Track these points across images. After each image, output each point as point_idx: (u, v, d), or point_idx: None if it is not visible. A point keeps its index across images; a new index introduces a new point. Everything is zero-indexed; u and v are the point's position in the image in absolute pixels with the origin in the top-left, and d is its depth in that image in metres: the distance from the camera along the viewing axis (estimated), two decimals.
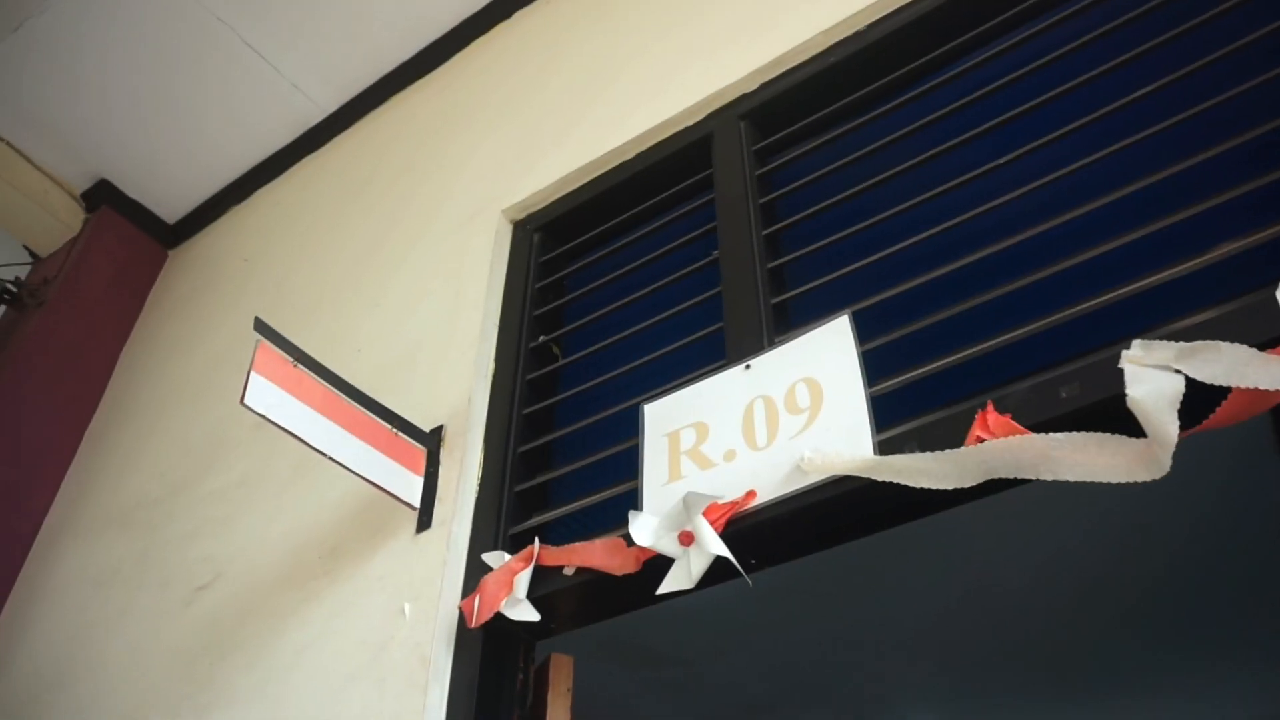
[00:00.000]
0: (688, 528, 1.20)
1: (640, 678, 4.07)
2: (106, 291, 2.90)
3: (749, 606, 3.54)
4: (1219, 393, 0.89)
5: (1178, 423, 0.88)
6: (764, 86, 1.72)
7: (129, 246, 3.04)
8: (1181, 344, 0.93)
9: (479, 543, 1.48)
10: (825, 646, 3.86)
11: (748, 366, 1.34)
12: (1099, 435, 0.95)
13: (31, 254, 3.07)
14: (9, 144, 2.89)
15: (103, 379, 2.80)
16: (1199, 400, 0.90)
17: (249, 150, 2.97)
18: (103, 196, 3.02)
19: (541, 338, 1.76)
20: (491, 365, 1.73)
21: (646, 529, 1.23)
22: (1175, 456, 0.88)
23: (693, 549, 1.19)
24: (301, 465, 1.81)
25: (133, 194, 3.08)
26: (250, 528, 1.85)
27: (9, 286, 2.80)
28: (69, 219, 3.00)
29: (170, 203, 3.13)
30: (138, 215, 3.09)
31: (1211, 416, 0.90)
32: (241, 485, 1.96)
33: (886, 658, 3.96)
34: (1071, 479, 0.96)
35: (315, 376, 1.42)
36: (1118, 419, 0.96)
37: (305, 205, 2.72)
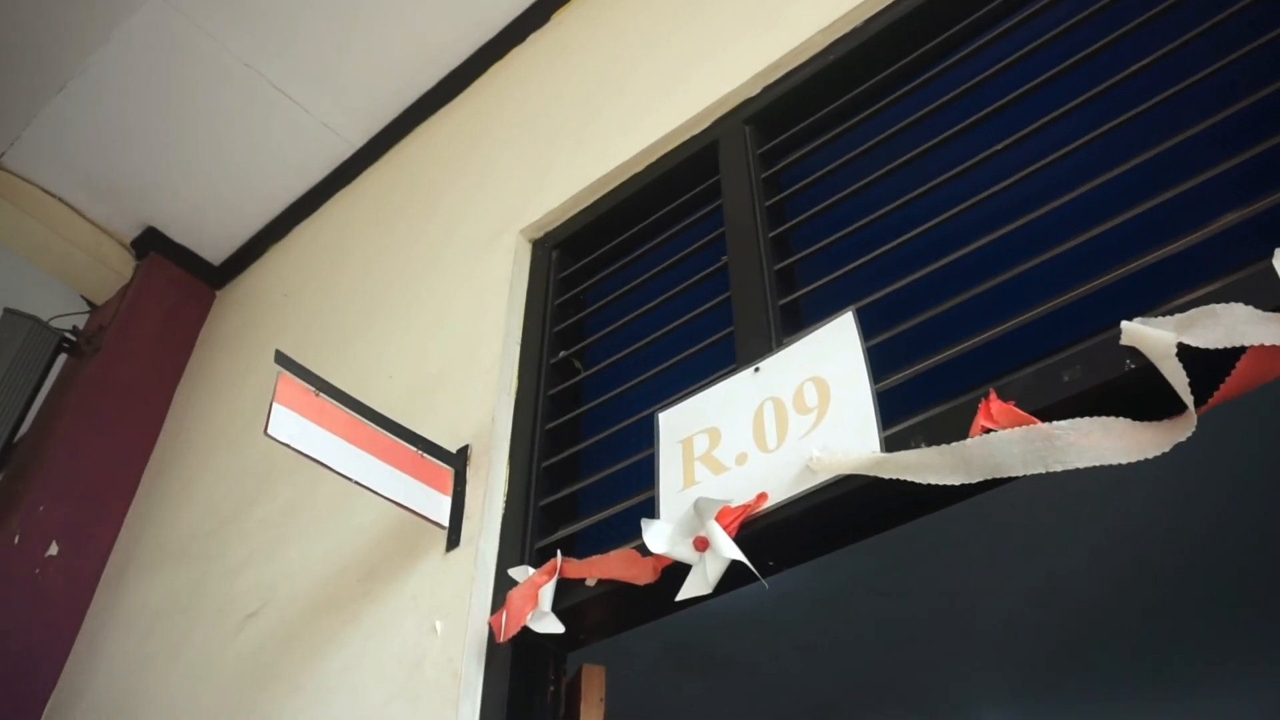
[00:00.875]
0: (701, 533, 1.20)
1: (706, 683, 4.06)
2: (158, 334, 3.03)
3: (815, 607, 3.52)
4: (1226, 370, 0.87)
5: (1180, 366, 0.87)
6: (767, 90, 1.73)
7: (178, 290, 3.16)
8: (1178, 316, 0.91)
9: (506, 558, 1.51)
10: (894, 645, 3.81)
11: (757, 369, 1.34)
12: (1103, 419, 0.94)
13: (88, 303, 3.22)
14: (61, 200, 3.04)
15: (159, 418, 2.91)
16: (1207, 378, 0.88)
17: (285, 189, 3.07)
18: (151, 243, 3.15)
19: (562, 353, 1.78)
20: (514, 383, 1.76)
21: (661, 537, 1.24)
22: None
23: (708, 554, 1.19)
24: (340, 491, 1.86)
25: (179, 239, 3.21)
26: (295, 554, 1.90)
27: (68, 336, 2.93)
28: (121, 267, 3.13)
29: (215, 245, 3.25)
30: (185, 259, 3.22)
31: (1222, 386, 0.87)
32: (285, 514, 2.02)
33: (957, 656, 3.89)
34: (1080, 465, 0.95)
35: (338, 404, 1.46)
36: (1121, 401, 0.94)
37: (339, 238, 2.80)
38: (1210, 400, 0.87)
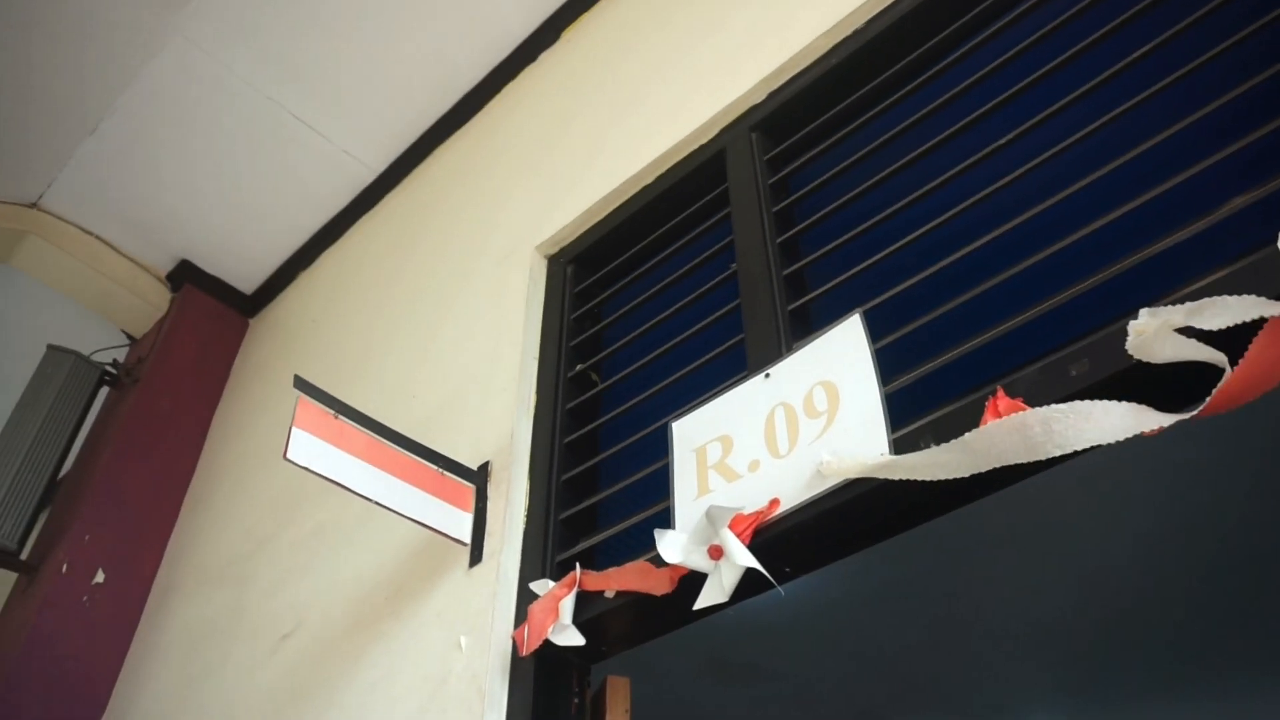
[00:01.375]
0: (715, 541, 1.20)
1: (750, 693, 4.04)
2: (195, 363, 3.10)
3: (855, 612, 3.49)
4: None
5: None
6: (772, 96, 1.73)
7: (212, 319, 3.24)
8: (1188, 304, 0.89)
9: (528, 572, 1.51)
10: (937, 648, 3.76)
11: (767, 375, 1.33)
12: (1101, 402, 0.92)
13: (128, 336, 3.31)
14: (98, 238, 3.13)
15: (197, 446, 2.98)
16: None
17: (311, 216, 3.14)
18: (185, 275, 3.24)
19: (579, 366, 1.79)
20: (533, 398, 1.77)
21: (675, 546, 1.24)
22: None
23: (723, 562, 1.19)
24: (367, 512, 1.89)
25: (212, 270, 3.29)
26: (326, 575, 1.93)
27: (109, 369, 3.02)
28: (157, 300, 3.22)
29: (247, 274, 3.33)
30: (218, 289, 3.30)
31: (1233, 373, 0.85)
32: (317, 535, 2.05)
33: (999, 657, 3.83)
34: (1080, 447, 0.93)
35: (357, 425, 1.49)
36: (1129, 394, 0.92)
37: (363, 262, 2.85)
38: (1218, 391, 0.85)
